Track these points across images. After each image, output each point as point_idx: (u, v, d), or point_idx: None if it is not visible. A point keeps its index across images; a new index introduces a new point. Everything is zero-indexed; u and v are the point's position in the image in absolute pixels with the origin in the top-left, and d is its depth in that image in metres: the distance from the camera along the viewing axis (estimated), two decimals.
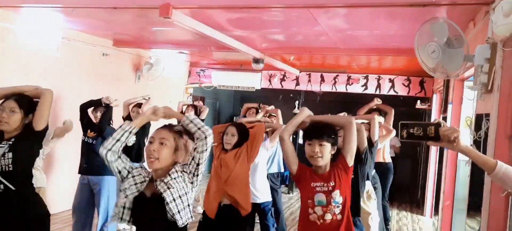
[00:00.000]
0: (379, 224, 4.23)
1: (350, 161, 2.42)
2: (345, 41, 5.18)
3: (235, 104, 11.32)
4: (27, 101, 2.60)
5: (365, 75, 7.82)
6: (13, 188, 2.48)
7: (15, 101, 2.54)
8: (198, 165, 2.10)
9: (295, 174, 2.49)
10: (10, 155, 2.47)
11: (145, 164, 2.30)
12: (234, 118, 9.36)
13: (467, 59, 2.80)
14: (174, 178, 2.04)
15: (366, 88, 7.87)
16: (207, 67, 8.88)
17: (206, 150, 2.11)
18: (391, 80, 7.70)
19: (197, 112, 6.20)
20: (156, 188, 2.03)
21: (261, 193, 4.13)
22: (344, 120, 2.51)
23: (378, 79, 7.76)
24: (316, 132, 2.39)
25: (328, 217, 2.35)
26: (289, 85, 8.44)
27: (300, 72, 8.14)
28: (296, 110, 8.53)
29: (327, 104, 10.15)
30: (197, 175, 2.12)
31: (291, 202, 7.91)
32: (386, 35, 4.75)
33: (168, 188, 2.00)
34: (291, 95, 9.19)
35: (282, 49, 6.01)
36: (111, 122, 4.65)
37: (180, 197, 2.03)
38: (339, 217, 2.35)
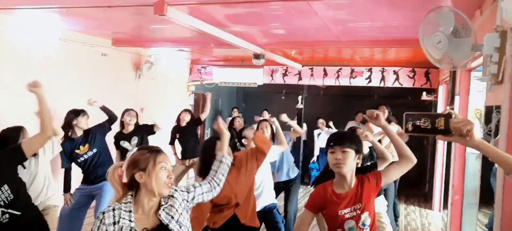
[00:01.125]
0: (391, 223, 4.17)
1: (383, 184, 2.29)
2: (346, 34, 5.05)
3: (237, 100, 11.22)
4: None
5: (368, 68, 7.67)
6: (18, 213, 2.52)
7: None
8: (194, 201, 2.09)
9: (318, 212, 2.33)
10: (6, 186, 2.48)
11: None
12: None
13: (475, 49, 2.67)
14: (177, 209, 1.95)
15: (370, 81, 7.73)
16: (208, 64, 8.78)
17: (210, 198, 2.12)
18: (396, 72, 7.55)
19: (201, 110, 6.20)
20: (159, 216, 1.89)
21: (264, 199, 3.95)
22: (409, 155, 2.29)
23: (382, 72, 7.61)
24: (338, 138, 2.28)
25: None
26: (291, 80, 8.31)
27: (302, 66, 8.01)
28: (299, 105, 8.41)
29: (331, 98, 10.06)
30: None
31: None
32: (389, 26, 4.61)
33: (172, 217, 1.90)
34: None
35: (282, 44, 5.89)
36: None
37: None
38: None
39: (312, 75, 8.08)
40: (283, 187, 5.00)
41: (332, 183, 2.30)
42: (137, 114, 5.29)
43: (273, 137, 4.53)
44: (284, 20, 4.50)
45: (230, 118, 9.32)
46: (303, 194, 8.44)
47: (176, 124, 6.41)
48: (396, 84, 7.58)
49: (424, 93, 7.40)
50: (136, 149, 1.94)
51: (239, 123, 6.01)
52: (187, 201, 2.02)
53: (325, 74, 7.99)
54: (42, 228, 2.62)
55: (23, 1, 4.09)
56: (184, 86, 8.81)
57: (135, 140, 5.16)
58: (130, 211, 1.82)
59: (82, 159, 4.32)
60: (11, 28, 4.84)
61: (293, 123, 5.13)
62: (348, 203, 2.21)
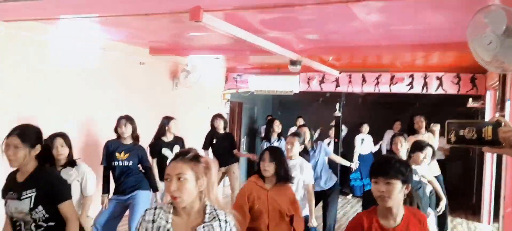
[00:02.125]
0: None
1: None
2: (387, 38, 4.87)
3: (273, 109, 11.14)
4: (31, 133, 2.55)
5: (410, 73, 7.38)
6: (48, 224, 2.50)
7: (18, 136, 2.47)
8: None
9: None
10: (41, 208, 2.46)
11: None
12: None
13: None
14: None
15: (411, 88, 7.43)
16: (244, 72, 8.76)
17: None
18: (439, 78, 7.23)
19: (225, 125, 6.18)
20: None
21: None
22: None
23: (425, 78, 7.30)
24: (381, 167, 2.05)
25: None
26: (328, 87, 8.13)
27: (340, 73, 7.83)
28: (337, 113, 8.22)
29: (370, 106, 9.78)
30: None
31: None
32: (432, 29, 4.39)
33: None
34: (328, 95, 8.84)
35: (320, 49, 5.76)
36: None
37: None
38: None
39: (350, 82, 7.88)
40: (321, 196, 4.87)
41: (377, 211, 2.10)
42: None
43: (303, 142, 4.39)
44: (321, 24, 4.39)
45: (264, 126, 9.29)
46: (342, 204, 8.22)
47: (211, 128, 6.38)
48: (440, 91, 7.25)
49: (470, 100, 7.04)
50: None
51: (278, 127, 6.02)
52: None
53: (364, 81, 7.77)
54: None
55: (65, 11, 4.19)
56: (220, 95, 8.83)
57: (177, 148, 5.16)
58: (169, 213, 1.86)
59: (119, 164, 4.37)
60: (55, 38, 4.99)
61: (339, 159, 5.43)
62: None
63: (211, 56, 7.04)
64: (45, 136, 3.35)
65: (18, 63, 4.64)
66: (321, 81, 8.14)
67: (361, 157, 8.60)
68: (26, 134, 2.50)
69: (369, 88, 7.77)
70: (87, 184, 3.62)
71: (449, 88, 7.20)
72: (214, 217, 1.88)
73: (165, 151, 5.15)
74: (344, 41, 5.17)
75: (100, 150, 4.78)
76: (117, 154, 4.37)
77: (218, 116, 6.41)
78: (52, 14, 4.32)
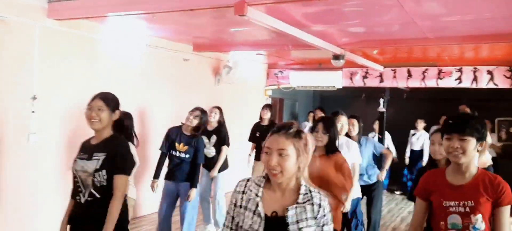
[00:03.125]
0: None
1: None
2: (434, 30, 4.71)
3: (314, 104, 11.05)
4: (113, 98, 2.76)
5: (458, 67, 7.09)
6: (99, 196, 2.60)
7: (101, 99, 2.67)
8: None
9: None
10: (104, 172, 2.58)
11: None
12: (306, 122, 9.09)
13: None
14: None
15: (460, 82, 7.13)
16: (285, 68, 8.75)
17: None
18: (490, 72, 6.90)
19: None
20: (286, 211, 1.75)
21: None
22: None
23: (474, 71, 6.99)
24: (456, 124, 2.00)
25: None
26: (372, 82, 7.97)
27: (384, 68, 7.65)
28: (381, 108, 8.03)
29: (416, 102, 9.48)
30: None
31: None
32: (482, 19, 4.20)
33: (297, 222, 1.73)
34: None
35: (363, 43, 5.65)
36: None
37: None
38: None
39: (394, 77, 7.68)
40: (366, 191, 4.80)
41: (446, 170, 2.08)
42: (221, 111, 5.43)
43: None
44: (365, 17, 4.31)
45: (307, 123, 9.23)
46: (387, 200, 8.05)
47: (259, 120, 6.44)
48: (491, 85, 6.91)
49: None
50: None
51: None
52: (317, 223, 1.77)
53: (409, 75, 7.55)
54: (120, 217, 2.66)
55: (112, 9, 4.36)
56: (261, 91, 8.87)
57: (214, 138, 5.29)
58: (259, 186, 1.81)
59: (176, 154, 4.46)
60: (103, 36, 5.20)
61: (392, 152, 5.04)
62: (457, 196, 1.97)
63: (253, 52, 7.09)
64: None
65: (69, 61, 4.87)
66: (364, 76, 7.99)
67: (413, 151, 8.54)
68: (108, 97, 2.72)
69: (415, 83, 7.54)
70: None
71: (501, 82, 6.84)
72: (309, 200, 1.77)
73: (203, 138, 5.27)
74: (389, 34, 5.05)
75: (143, 145, 4.92)
76: (176, 144, 4.46)
77: (266, 106, 6.44)
78: (101, 12, 4.50)
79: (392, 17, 4.18)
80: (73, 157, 2.75)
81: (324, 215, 1.78)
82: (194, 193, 4.41)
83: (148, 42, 5.84)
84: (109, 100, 2.71)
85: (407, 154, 8.61)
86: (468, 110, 5.17)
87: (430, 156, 3.12)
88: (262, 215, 1.74)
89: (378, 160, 5.01)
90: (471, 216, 1.95)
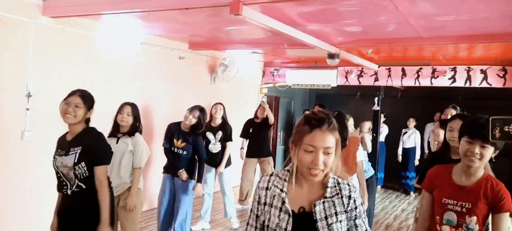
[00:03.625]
0: None
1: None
2: (429, 29, 4.73)
3: (310, 102, 11.08)
4: (90, 97, 2.85)
5: (452, 66, 7.13)
6: (85, 186, 2.71)
7: (80, 97, 2.75)
8: None
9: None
10: (83, 164, 2.68)
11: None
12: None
13: None
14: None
15: (454, 81, 7.18)
16: (281, 66, 8.76)
17: None
18: (483, 71, 6.96)
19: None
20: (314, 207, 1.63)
21: None
22: None
23: (468, 71, 7.05)
24: (481, 131, 1.94)
25: None
26: (367, 81, 8.00)
27: (378, 66, 7.68)
28: (375, 107, 8.08)
29: (410, 101, 9.54)
30: None
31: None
32: (477, 19, 4.23)
33: (326, 217, 1.62)
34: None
35: (358, 42, 5.67)
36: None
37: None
38: None
39: (389, 75, 7.72)
40: None
41: (453, 168, 2.13)
42: (224, 107, 5.53)
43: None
44: (360, 16, 4.33)
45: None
46: (381, 198, 8.10)
47: (253, 117, 6.50)
48: (484, 85, 6.97)
49: None
50: None
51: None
52: (348, 217, 1.66)
53: (404, 74, 7.59)
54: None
55: (108, 7, 4.35)
56: (257, 89, 8.88)
57: (220, 134, 5.33)
58: (285, 180, 1.68)
59: (174, 150, 4.54)
60: (99, 34, 5.19)
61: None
62: (458, 196, 2.03)
63: (249, 50, 7.10)
64: None
65: (64, 58, 4.86)
66: (359, 75, 8.02)
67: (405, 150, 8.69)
68: (86, 96, 2.81)
69: (409, 82, 7.58)
70: (137, 155, 3.71)
71: (494, 81, 6.90)
72: (337, 193, 1.65)
73: (208, 135, 5.41)
74: (384, 33, 5.07)
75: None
76: (175, 140, 4.53)
77: (264, 106, 6.56)
78: (96, 10, 4.49)
79: (387, 17, 4.20)
80: None
81: (356, 207, 1.66)
82: (199, 188, 4.48)
83: (143, 40, 5.84)
84: (87, 98, 2.80)
85: (400, 152, 8.71)
86: (454, 111, 5.21)
87: (429, 148, 3.15)
88: (290, 211, 1.62)
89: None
90: (466, 216, 2.01)
